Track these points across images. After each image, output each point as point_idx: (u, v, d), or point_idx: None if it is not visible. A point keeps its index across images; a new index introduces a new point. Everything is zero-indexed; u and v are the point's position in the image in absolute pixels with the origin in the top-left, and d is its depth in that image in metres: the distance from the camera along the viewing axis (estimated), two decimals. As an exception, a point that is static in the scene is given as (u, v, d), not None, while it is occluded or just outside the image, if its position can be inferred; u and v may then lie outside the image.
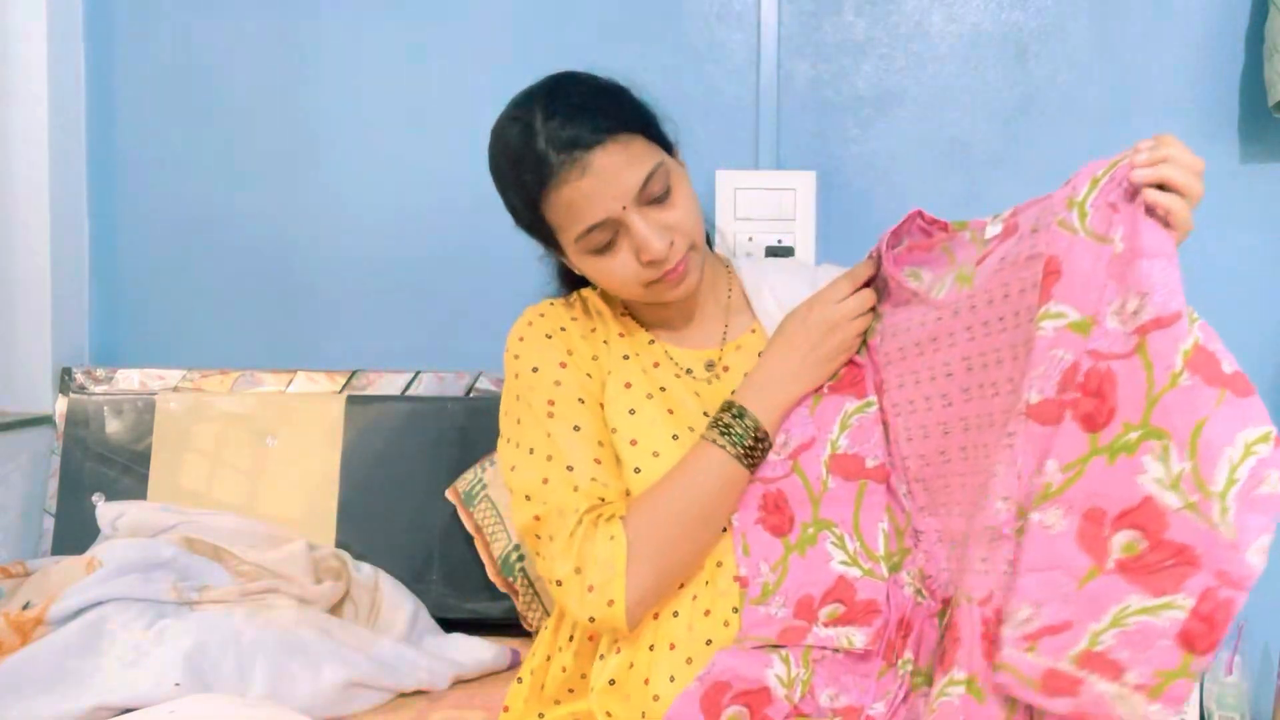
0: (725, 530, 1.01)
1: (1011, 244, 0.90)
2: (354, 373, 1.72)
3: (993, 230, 0.93)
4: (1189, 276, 1.80)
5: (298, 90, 1.82)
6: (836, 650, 0.95)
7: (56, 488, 1.73)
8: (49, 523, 1.72)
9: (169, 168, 1.87)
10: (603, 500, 0.99)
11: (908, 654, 0.94)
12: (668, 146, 1.04)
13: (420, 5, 1.78)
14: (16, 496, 1.75)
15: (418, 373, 1.71)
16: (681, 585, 1.00)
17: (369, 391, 1.70)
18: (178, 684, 1.19)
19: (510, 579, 1.52)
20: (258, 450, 1.68)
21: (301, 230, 1.82)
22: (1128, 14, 1.59)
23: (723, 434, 0.98)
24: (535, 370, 1.05)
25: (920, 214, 0.99)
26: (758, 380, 1.01)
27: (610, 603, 0.95)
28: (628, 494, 1.02)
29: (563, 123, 0.96)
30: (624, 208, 0.97)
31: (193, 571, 1.38)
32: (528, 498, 1.01)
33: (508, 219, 1.08)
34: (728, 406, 1.00)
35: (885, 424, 1.01)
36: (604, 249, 0.99)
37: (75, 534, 1.67)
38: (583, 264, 1.03)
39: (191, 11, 1.85)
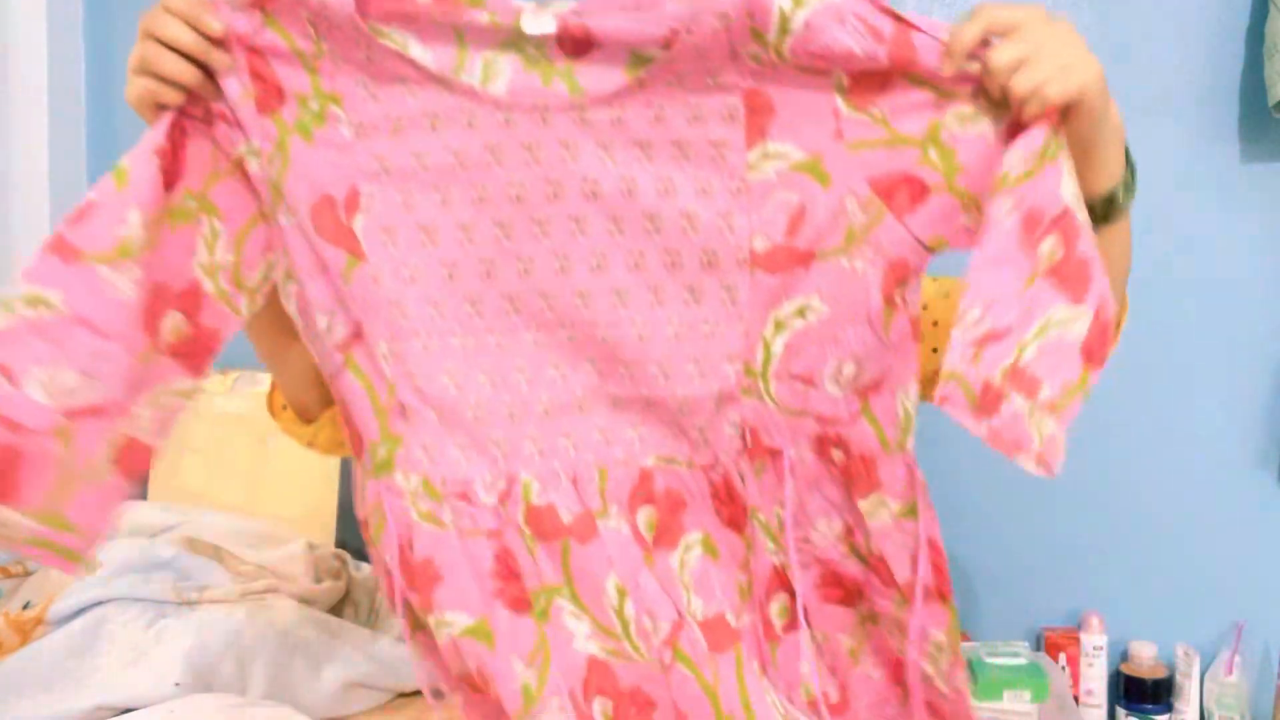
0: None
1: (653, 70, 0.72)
2: (354, 373, 1.72)
3: (538, 27, 0.71)
4: (1189, 277, 1.80)
5: (298, 90, 1.82)
6: None
7: (56, 488, 1.73)
8: (49, 523, 1.72)
9: (169, 168, 1.87)
10: None
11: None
12: None
13: (420, 5, 1.77)
14: (16, 496, 1.75)
15: (418, 373, 1.71)
16: None
17: (369, 391, 1.70)
18: (178, 684, 1.19)
19: (510, 579, 1.52)
20: (258, 450, 1.68)
21: (301, 230, 1.82)
22: (1128, 13, 1.59)
23: None
24: None
25: None
26: None
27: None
28: None
29: None
30: None
31: (193, 571, 1.38)
32: None
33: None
34: None
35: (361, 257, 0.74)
36: None
37: (75, 534, 1.67)
38: None
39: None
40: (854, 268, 0.75)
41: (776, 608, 0.82)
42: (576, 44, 0.71)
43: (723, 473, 0.79)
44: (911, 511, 0.76)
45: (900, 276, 0.75)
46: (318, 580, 1.45)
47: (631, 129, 0.73)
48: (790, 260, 0.75)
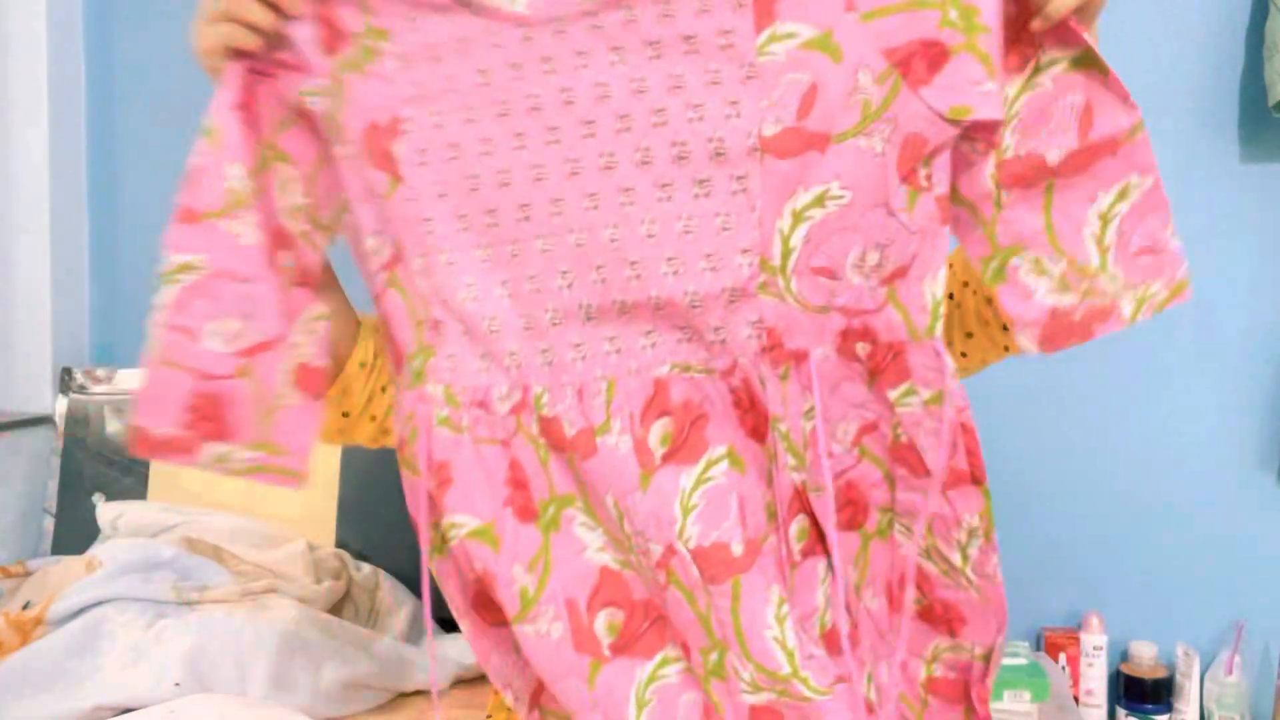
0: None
1: None
2: (354, 373, 1.72)
3: None
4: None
5: (298, 90, 1.82)
6: None
7: (56, 488, 1.73)
8: (49, 523, 1.72)
9: (169, 168, 1.87)
10: None
11: None
12: None
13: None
14: (16, 496, 1.75)
15: (418, 373, 1.71)
16: None
17: (369, 391, 1.71)
18: (177, 684, 1.19)
19: (510, 579, 1.52)
20: (258, 450, 1.68)
21: (301, 230, 1.83)
22: (1127, 14, 1.59)
23: None
24: None
25: None
26: None
27: None
28: None
29: None
30: None
31: (193, 571, 1.38)
32: None
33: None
34: None
35: (398, 177, 0.78)
36: None
37: (75, 534, 1.67)
38: None
39: (191, 11, 1.85)
40: (872, 147, 0.72)
41: (796, 530, 0.78)
42: None
43: (743, 377, 0.76)
44: (941, 398, 0.73)
45: (918, 153, 0.72)
46: (318, 580, 1.45)
47: (642, 28, 0.73)
48: (803, 143, 0.72)
